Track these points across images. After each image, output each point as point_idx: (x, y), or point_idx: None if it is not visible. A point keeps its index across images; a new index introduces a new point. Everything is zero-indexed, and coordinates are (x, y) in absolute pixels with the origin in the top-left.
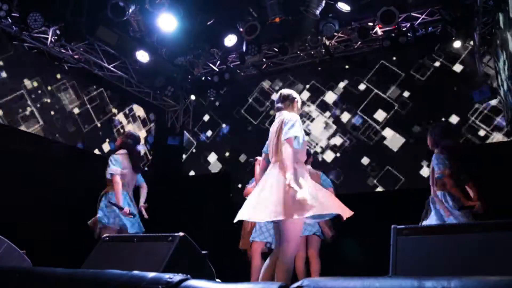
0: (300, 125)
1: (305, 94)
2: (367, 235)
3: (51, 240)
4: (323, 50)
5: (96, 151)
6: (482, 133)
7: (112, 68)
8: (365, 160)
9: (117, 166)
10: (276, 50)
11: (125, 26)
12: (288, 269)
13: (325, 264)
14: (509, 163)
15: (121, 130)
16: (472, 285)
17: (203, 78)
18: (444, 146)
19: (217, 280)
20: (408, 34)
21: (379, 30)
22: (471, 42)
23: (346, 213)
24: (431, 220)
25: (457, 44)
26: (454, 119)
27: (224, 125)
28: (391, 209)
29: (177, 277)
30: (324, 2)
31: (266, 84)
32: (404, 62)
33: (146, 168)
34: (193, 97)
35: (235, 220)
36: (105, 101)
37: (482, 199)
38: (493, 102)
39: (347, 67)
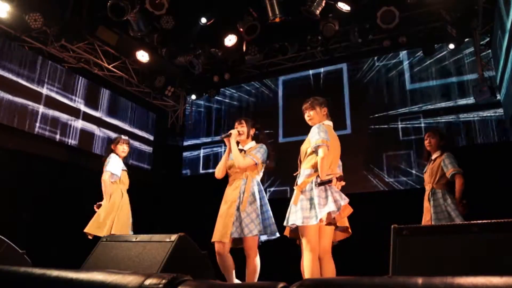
0: None
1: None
2: (367, 235)
3: (51, 240)
4: (323, 50)
5: (97, 152)
6: (482, 132)
7: (112, 68)
8: (366, 159)
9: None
10: (276, 50)
11: (125, 26)
12: None
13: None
14: (509, 163)
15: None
16: (473, 285)
17: (203, 78)
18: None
19: (217, 280)
20: (408, 34)
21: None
22: (471, 42)
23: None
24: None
25: (457, 44)
26: (454, 118)
27: (224, 125)
28: (391, 209)
29: (176, 277)
30: (324, 2)
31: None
32: (404, 62)
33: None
34: (194, 97)
35: None
36: (105, 100)
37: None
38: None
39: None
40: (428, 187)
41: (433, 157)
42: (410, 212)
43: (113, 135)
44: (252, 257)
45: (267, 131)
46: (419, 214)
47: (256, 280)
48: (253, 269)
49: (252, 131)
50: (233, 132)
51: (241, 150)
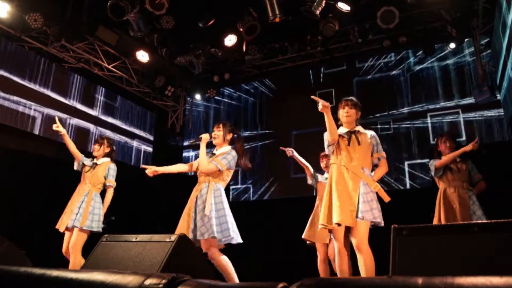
0: None
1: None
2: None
3: (51, 240)
4: (323, 50)
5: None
6: (482, 132)
7: (112, 68)
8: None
9: (114, 178)
10: (276, 50)
11: (125, 26)
12: None
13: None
14: (509, 163)
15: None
16: (473, 285)
17: (203, 78)
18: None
19: (217, 280)
20: (408, 34)
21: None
22: (471, 42)
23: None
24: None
25: (457, 44)
26: (454, 118)
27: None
28: (391, 209)
29: (176, 277)
30: (324, 2)
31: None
32: (403, 62)
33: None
34: (198, 97)
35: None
36: (105, 100)
37: None
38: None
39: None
40: (461, 187)
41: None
42: (410, 212)
43: (113, 135)
44: (216, 258)
45: (269, 131)
46: (419, 214)
47: (234, 275)
48: (223, 268)
49: (229, 136)
50: (204, 136)
51: (213, 154)
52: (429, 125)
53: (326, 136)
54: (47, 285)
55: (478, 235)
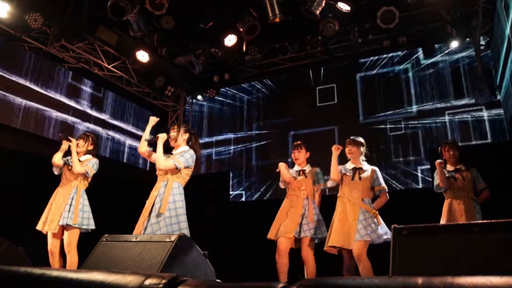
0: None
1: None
2: None
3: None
4: (323, 50)
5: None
6: (483, 132)
7: (112, 68)
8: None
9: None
10: (276, 50)
11: (125, 26)
12: None
13: (325, 264)
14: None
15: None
16: (473, 285)
17: (203, 78)
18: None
19: (217, 280)
20: (408, 34)
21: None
22: (471, 42)
23: None
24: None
25: (457, 44)
26: (454, 118)
27: (223, 125)
28: (391, 209)
29: (176, 277)
30: (324, 2)
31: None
32: (403, 62)
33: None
34: (200, 97)
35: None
36: (105, 100)
37: None
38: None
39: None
40: (466, 197)
41: (458, 167)
42: (410, 212)
43: (113, 135)
44: None
45: (267, 131)
46: (419, 214)
47: None
48: None
49: (185, 136)
50: (161, 135)
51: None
52: (447, 123)
53: (330, 176)
54: (47, 285)
55: (478, 235)
